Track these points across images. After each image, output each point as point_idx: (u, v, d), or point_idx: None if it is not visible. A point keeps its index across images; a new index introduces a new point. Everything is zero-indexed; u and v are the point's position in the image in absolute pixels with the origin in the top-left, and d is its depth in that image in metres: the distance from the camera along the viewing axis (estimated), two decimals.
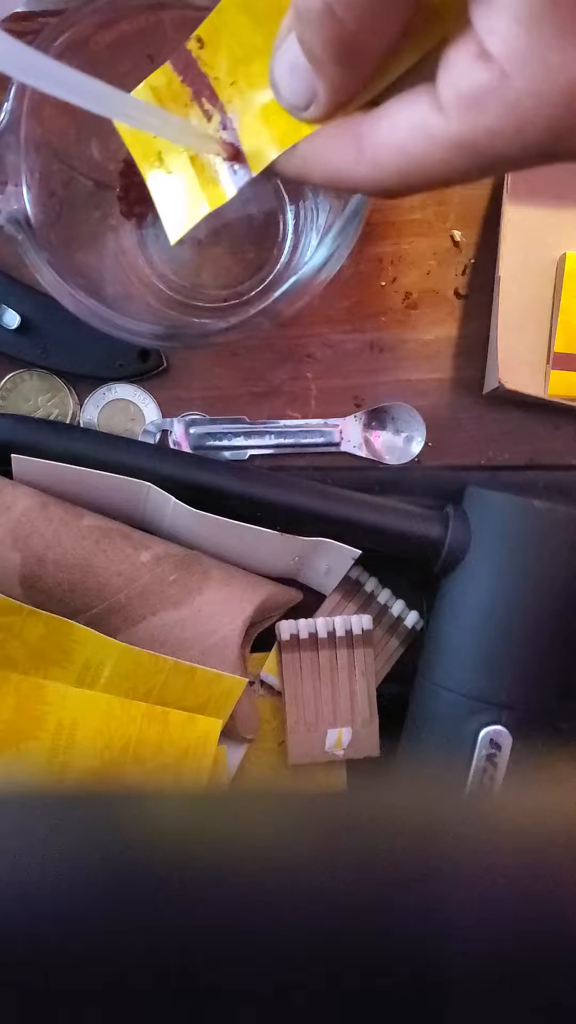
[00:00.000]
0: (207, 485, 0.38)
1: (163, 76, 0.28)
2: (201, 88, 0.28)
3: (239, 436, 0.43)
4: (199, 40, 0.27)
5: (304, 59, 0.22)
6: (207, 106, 0.28)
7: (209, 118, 0.28)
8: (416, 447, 0.43)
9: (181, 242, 0.31)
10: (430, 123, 0.21)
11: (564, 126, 0.20)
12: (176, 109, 0.28)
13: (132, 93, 0.29)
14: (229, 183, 0.28)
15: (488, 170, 0.22)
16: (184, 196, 0.30)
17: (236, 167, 0.28)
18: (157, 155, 0.30)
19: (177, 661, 0.37)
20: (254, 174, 0.27)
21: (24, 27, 0.41)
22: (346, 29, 0.20)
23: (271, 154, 0.26)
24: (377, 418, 0.43)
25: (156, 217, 0.31)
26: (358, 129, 0.23)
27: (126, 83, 0.33)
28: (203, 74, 0.28)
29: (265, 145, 0.27)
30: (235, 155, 0.28)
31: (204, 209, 0.29)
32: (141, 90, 0.29)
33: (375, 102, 0.24)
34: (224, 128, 0.28)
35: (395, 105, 0.23)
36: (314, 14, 0.20)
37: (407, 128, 0.22)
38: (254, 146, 0.27)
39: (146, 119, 0.26)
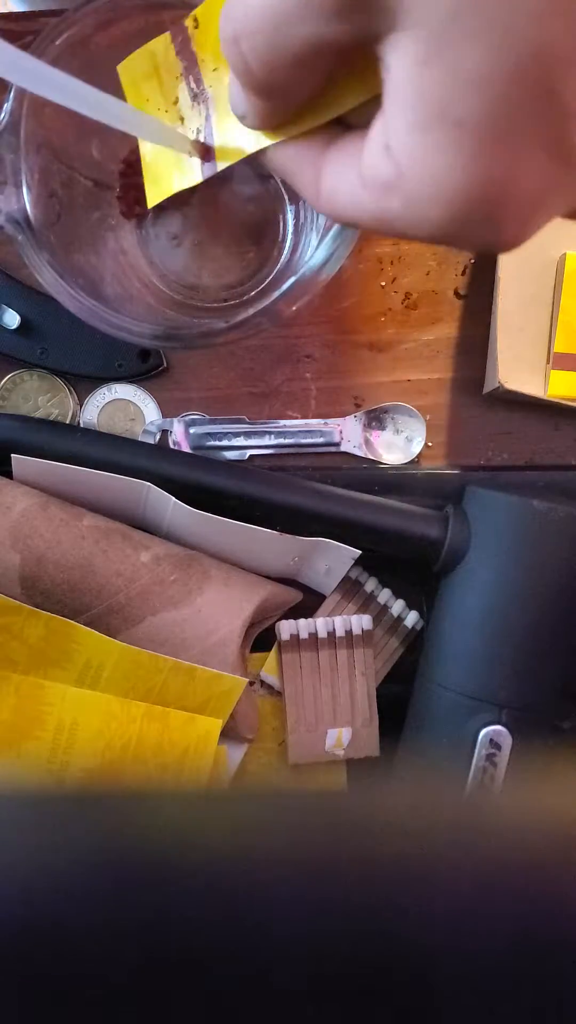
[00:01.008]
0: (207, 485, 0.38)
1: (162, 44, 0.30)
2: (191, 65, 0.29)
3: (239, 436, 0.43)
4: (195, 20, 0.28)
5: None
6: (192, 84, 0.30)
7: (194, 98, 0.30)
8: (416, 447, 0.43)
9: (180, 242, 0.31)
10: (357, 193, 0.23)
11: (454, 227, 0.21)
12: (168, 81, 0.30)
13: (134, 55, 0.31)
14: (198, 171, 0.31)
15: (417, 240, 0.23)
16: (165, 172, 0.32)
17: (206, 158, 0.30)
18: None
19: (177, 661, 0.37)
20: (218, 168, 0.29)
21: (24, 27, 0.41)
22: (255, 74, 0.21)
23: (237, 152, 0.28)
24: (377, 418, 0.43)
25: (156, 217, 0.31)
26: (319, 162, 0.24)
27: None
28: (194, 53, 0.29)
29: (233, 142, 0.28)
30: (205, 153, 0.30)
31: (176, 186, 0.31)
32: (141, 53, 0.30)
33: (346, 120, 0.24)
34: (207, 119, 0.29)
35: (345, 151, 0.23)
36: (230, 55, 0.21)
37: (347, 187, 0.23)
38: (225, 140, 0.29)
39: (126, 118, 0.28)
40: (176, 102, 0.30)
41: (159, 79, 0.30)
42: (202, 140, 0.30)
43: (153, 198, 0.33)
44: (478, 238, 0.22)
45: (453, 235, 0.21)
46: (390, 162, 0.21)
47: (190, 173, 0.31)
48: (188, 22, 0.28)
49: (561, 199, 0.21)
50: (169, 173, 0.32)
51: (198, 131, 0.30)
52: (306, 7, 0.19)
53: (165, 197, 0.32)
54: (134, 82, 0.31)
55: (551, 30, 0.17)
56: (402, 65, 0.19)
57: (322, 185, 0.24)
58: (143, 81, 0.31)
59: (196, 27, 0.28)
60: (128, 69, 0.31)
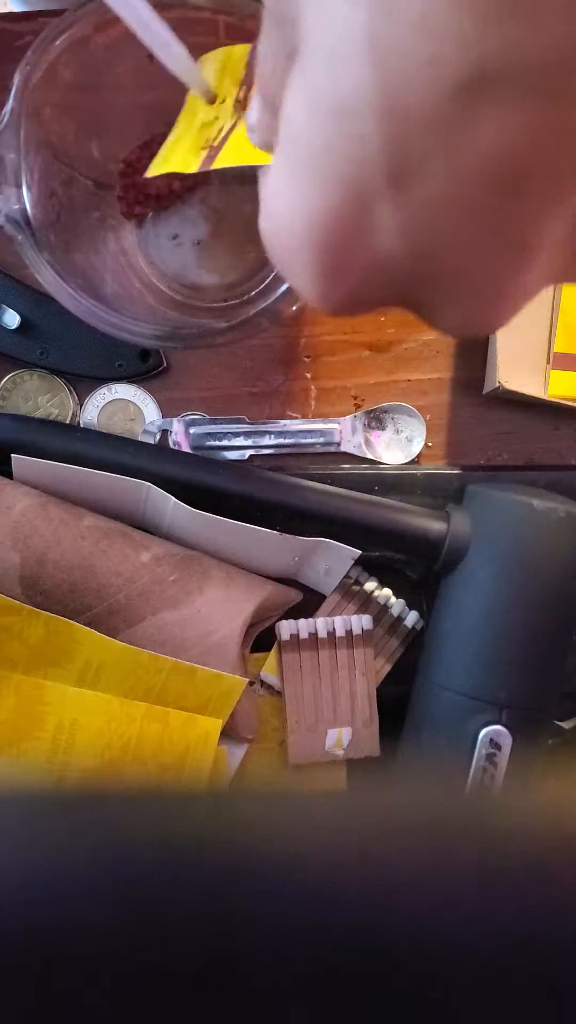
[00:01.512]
0: (207, 485, 0.38)
1: (241, 50, 0.32)
2: (250, 77, 0.32)
3: (239, 436, 0.43)
4: None
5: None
6: (243, 93, 0.32)
7: (237, 103, 0.32)
8: (416, 447, 0.43)
9: (180, 242, 0.32)
10: None
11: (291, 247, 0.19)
12: (224, 88, 0.33)
13: (220, 51, 0.33)
14: (197, 164, 0.32)
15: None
16: (173, 154, 0.34)
17: (209, 155, 0.32)
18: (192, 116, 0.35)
19: (177, 661, 0.37)
20: (212, 166, 0.31)
21: (24, 27, 0.41)
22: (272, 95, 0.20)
23: (235, 159, 0.30)
24: (377, 418, 0.43)
25: (156, 217, 0.32)
26: None
27: (125, 83, 0.33)
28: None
29: (238, 151, 0.30)
30: (213, 100, 0.32)
31: (176, 167, 0.33)
32: (225, 50, 0.33)
33: None
34: (235, 126, 0.31)
35: None
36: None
37: None
38: (233, 147, 0.30)
39: (171, 48, 0.29)
40: (224, 101, 0.32)
41: (222, 75, 0.33)
42: (220, 138, 0.31)
43: (153, 170, 0.35)
44: (299, 278, 0.19)
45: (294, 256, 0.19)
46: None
47: (191, 163, 0.32)
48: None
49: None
50: (176, 156, 0.33)
51: (221, 130, 0.31)
52: None
53: (163, 172, 0.34)
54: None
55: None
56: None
57: None
58: (209, 71, 0.34)
59: None
60: (209, 59, 0.34)
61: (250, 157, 0.27)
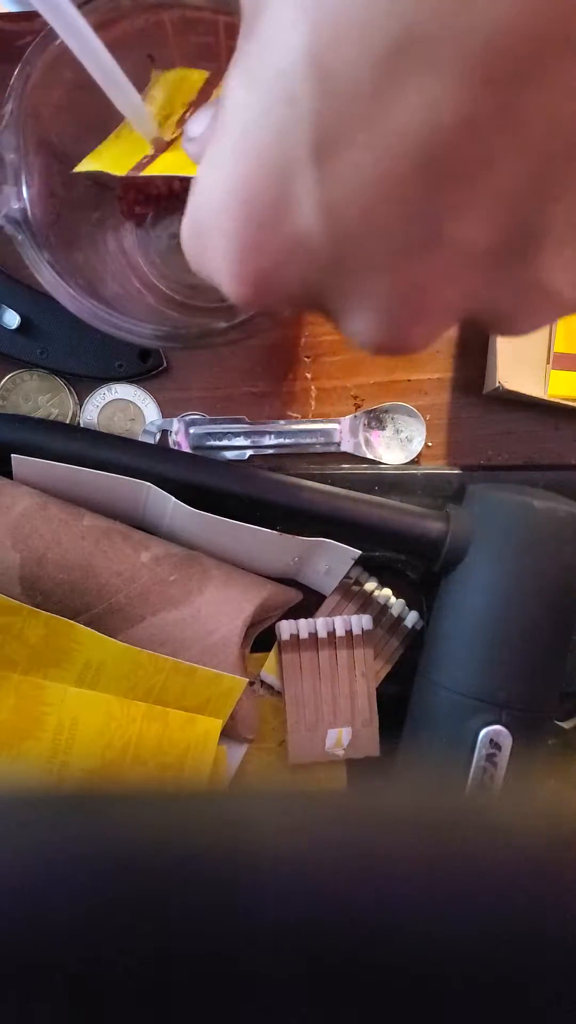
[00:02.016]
0: (207, 485, 0.38)
1: (198, 77, 0.33)
2: (203, 101, 0.32)
3: (239, 436, 0.43)
4: None
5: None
6: (187, 115, 0.32)
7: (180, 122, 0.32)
8: (416, 447, 0.43)
9: (179, 241, 0.32)
10: None
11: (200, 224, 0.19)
12: (170, 107, 0.33)
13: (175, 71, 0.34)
14: (126, 168, 0.33)
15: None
16: (111, 152, 0.34)
17: (141, 163, 0.32)
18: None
19: (177, 661, 0.37)
20: (142, 173, 0.32)
21: (24, 27, 0.41)
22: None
23: (167, 168, 0.31)
24: (377, 418, 0.43)
25: (156, 217, 0.32)
26: None
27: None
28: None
29: (167, 166, 0.31)
30: (158, 147, 0.33)
31: (100, 166, 0.33)
32: (178, 72, 0.34)
33: None
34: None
35: None
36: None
37: None
38: (163, 162, 0.31)
39: (120, 85, 0.30)
40: (170, 117, 0.33)
41: (174, 95, 0.33)
42: (150, 153, 0.32)
43: (83, 165, 0.34)
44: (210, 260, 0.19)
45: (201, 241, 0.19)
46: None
47: (122, 167, 0.33)
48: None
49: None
50: (108, 156, 0.34)
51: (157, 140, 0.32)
52: None
53: (90, 169, 0.34)
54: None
55: None
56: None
57: None
58: (161, 90, 0.34)
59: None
60: (164, 80, 0.34)
61: (182, 168, 0.28)
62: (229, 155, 0.16)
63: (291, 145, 0.15)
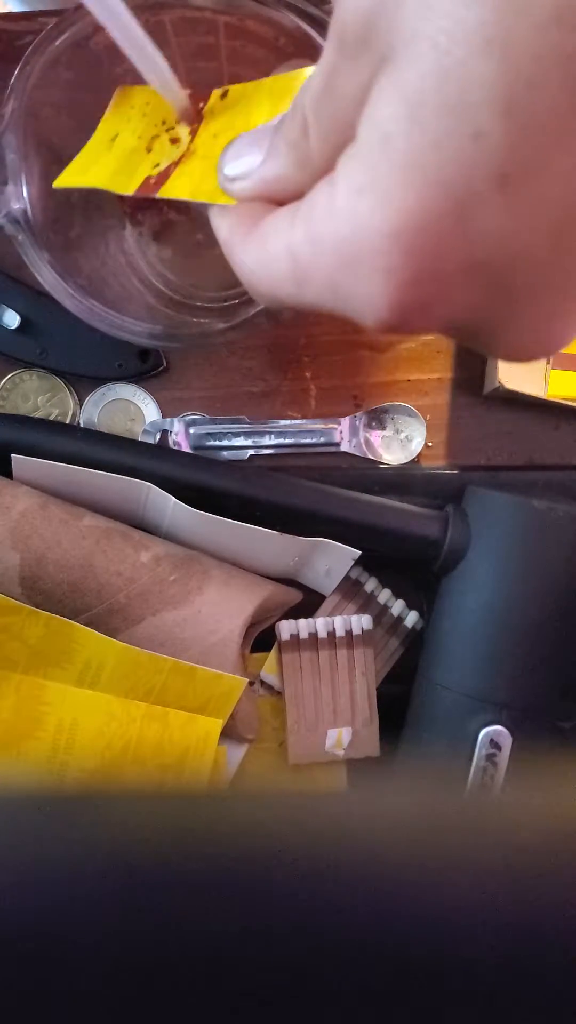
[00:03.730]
0: (207, 485, 0.38)
1: (183, 96, 0.31)
2: (194, 121, 0.30)
3: (239, 436, 0.43)
4: (226, 92, 0.30)
5: (267, 140, 0.22)
6: (182, 132, 0.30)
7: (173, 142, 0.30)
8: (416, 447, 0.43)
9: (179, 241, 0.32)
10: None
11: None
12: (156, 115, 0.32)
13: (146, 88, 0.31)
14: (135, 188, 0.30)
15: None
16: (96, 163, 0.32)
17: (152, 179, 0.30)
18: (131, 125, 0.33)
19: (177, 661, 0.37)
20: (156, 195, 0.29)
21: (24, 27, 0.41)
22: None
23: (181, 192, 0.28)
24: (377, 418, 0.43)
25: (156, 217, 0.31)
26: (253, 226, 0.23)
27: (125, 83, 0.33)
28: (203, 115, 0.30)
29: (185, 186, 0.28)
30: (192, 118, 0.30)
31: (98, 183, 0.31)
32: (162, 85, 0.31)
33: None
34: (177, 162, 0.30)
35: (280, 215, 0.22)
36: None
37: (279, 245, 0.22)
38: (180, 180, 0.29)
39: (146, 52, 0.28)
40: (157, 137, 0.31)
41: (151, 113, 0.32)
42: (158, 172, 0.30)
43: (63, 180, 0.32)
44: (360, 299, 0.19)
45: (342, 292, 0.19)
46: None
47: (129, 183, 0.30)
48: (219, 91, 0.30)
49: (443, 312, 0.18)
50: (99, 171, 0.32)
51: (157, 165, 0.30)
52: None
53: (75, 185, 0.32)
54: (129, 100, 0.33)
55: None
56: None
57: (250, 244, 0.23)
58: (138, 103, 0.32)
59: (223, 98, 0.30)
60: (131, 93, 0.33)
61: (209, 195, 0.26)
62: (392, 181, 0.16)
63: (476, 178, 0.15)
